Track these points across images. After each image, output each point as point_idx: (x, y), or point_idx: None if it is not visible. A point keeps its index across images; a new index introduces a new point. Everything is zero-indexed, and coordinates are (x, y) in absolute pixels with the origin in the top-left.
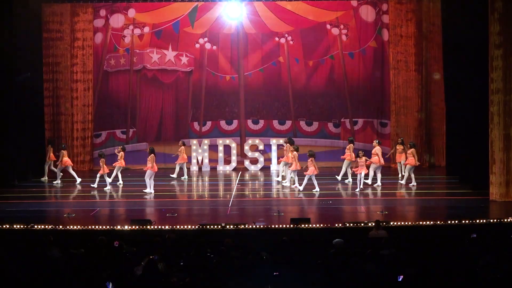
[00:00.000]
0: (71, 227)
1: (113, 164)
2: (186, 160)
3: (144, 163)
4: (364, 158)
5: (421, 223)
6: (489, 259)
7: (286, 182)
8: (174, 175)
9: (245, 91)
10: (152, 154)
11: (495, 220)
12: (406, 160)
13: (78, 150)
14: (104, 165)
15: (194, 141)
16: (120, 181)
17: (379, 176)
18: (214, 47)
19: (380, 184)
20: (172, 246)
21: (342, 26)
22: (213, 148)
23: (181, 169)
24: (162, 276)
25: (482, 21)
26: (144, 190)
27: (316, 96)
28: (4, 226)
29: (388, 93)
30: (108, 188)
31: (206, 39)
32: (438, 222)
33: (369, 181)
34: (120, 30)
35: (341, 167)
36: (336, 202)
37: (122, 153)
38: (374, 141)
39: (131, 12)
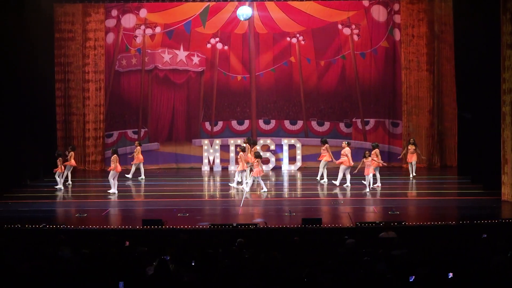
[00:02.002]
0: (83, 227)
1: (65, 163)
2: (142, 161)
3: (155, 163)
4: (370, 158)
5: (432, 223)
6: (500, 259)
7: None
8: (129, 176)
9: (257, 91)
10: (115, 155)
11: (507, 220)
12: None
13: (90, 150)
14: (61, 165)
15: (206, 141)
16: (69, 182)
17: (348, 176)
18: (226, 47)
19: (349, 184)
20: (183, 246)
21: (353, 26)
22: (224, 148)
23: (137, 169)
24: (173, 276)
25: (494, 21)
26: (108, 191)
27: (327, 96)
28: (16, 226)
29: (400, 93)
30: (59, 187)
31: (217, 39)
32: (450, 222)
33: (337, 182)
34: (131, 30)
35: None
36: (347, 203)
37: (72, 153)
38: (344, 142)
39: (143, 12)
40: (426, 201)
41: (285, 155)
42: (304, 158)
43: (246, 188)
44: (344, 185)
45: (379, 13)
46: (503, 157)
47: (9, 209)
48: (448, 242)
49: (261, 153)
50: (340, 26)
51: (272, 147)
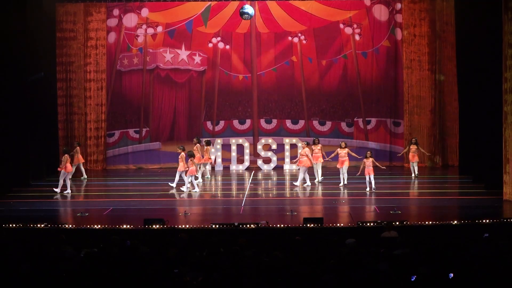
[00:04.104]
0: (84, 226)
1: None
2: (83, 161)
3: (156, 162)
4: (371, 159)
5: (434, 222)
6: (502, 259)
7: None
8: (84, 177)
9: (258, 90)
10: (66, 155)
11: (508, 220)
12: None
13: (92, 149)
14: None
15: None
16: None
17: (307, 176)
18: (227, 47)
19: (309, 184)
20: (184, 246)
21: (355, 26)
22: (226, 147)
23: (78, 170)
24: (174, 274)
25: (496, 20)
26: (54, 189)
27: (329, 95)
28: (17, 225)
29: (401, 93)
30: None
31: (219, 38)
32: (451, 222)
33: (297, 183)
34: (133, 30)
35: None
36: (348, 202)
37: None
38: (303, 143)
39: (144, 12)
40: (427, 200)
41: (286, 154)
42: None
43: (196, 188)
44: (305, 185)
45: (380, 12)
46: (505, 156)
47: (11, 209)
48: (450, 242)
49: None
50: (341, 26)
51: (274, 146)
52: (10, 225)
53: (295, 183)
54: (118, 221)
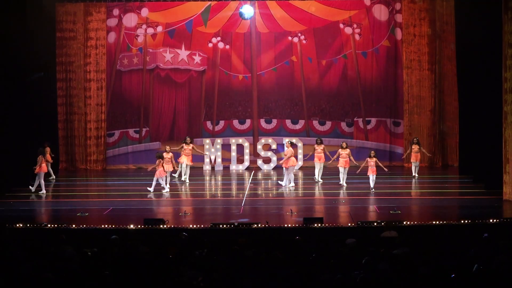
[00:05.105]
0: (84, 226)
1: None
2: (51, 161)
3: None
4: (375, 158)
5: (434, 222)
6: (502, 259)
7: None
8: (52, 177)
9: (258, 90)
10: (41, 156)
11: (508, 220)
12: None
13: (91, 149)
14: None
15: (207, 141)
16: None
17: (292, 177)
18: (227, 46)
19: (293, 184)
20: (184, 246)
21: (355, 25)
22: (226, 147)
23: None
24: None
25: (495, 20)
26: (39, 193)
27: (329, 95)
28: (17, 225)
29: (401, 92)
30: None
31: (219, 38)
32: (451, 222)
33: (283, 183)
34: (133, 30)
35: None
36: (348, 202)
37: None
38: (287, 141)
39: (144, 12)
40: (427, 200)
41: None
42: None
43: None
44: (279, 182)
45: (380, 12)
46: (505, 156)
47: (10, 209)
48: (450, 242)
49: (164, 154)
50: (341, 25)
51: (274, 146)
52: (10, 225)
53: (290, 186)
54: (118, 221)
